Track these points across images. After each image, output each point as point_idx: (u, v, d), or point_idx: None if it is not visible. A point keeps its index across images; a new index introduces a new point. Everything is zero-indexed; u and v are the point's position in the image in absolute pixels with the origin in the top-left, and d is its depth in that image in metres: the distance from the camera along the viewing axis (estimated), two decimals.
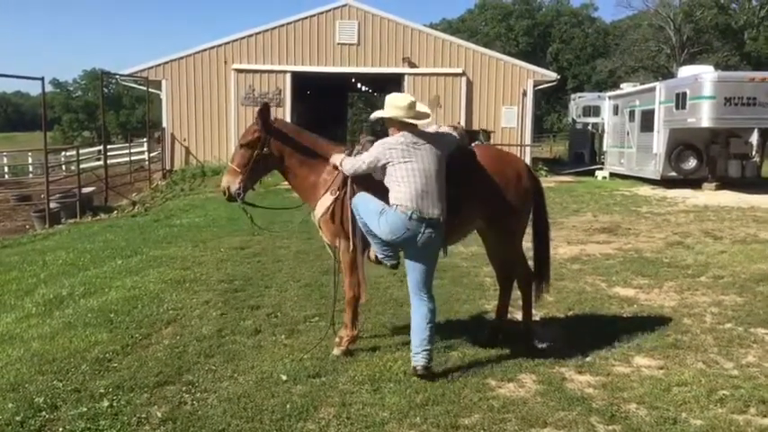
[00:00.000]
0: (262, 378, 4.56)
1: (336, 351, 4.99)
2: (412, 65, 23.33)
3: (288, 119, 21.76)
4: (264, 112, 5.00)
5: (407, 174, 4.54)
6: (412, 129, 4.70)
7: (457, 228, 5.05)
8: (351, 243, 4.89)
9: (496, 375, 4.65)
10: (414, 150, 4.59)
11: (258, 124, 4.96)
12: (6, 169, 30.00)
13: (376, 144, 4.74)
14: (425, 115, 4.80)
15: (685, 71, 20.75)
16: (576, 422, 3.97)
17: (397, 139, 4.65)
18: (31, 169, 29.87)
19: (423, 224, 4.50)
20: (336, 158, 4.92)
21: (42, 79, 15.03)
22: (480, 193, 4.94)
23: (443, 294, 6.82)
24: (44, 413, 4.01)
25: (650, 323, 5.89)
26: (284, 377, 4.55)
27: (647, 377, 4.67)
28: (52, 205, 15.14)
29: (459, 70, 23.48)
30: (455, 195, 4.80)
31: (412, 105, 4.69)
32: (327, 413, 4.06)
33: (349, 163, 4.80)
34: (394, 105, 4.70)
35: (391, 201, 4.56)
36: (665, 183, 19.13)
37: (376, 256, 4.84)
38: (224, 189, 5.09)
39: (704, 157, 19.09)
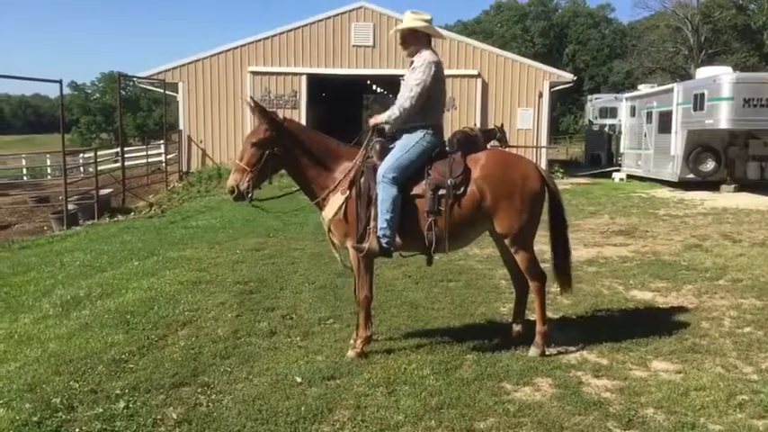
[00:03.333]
0: (277, 380, 4.56)
1: (351, 353, 4.98)
2: None
3: (303, 121, 21.89)
4: (274, 114, 5.05)
5: (438, 96, 5.03)
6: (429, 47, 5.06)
7: (465, 232, 5.02)
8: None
9: (512, 379, 4.62)
10: None
11: (268, 123, 4.94)
12: (25, 171, 30.33)
13: (428, 63, 4.89)
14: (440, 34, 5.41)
15: (703, 72, 20.53)
16: (593, 427, 3.93)
17: (436, 57, 4.98)
18: (49, 171, 30.30)
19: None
20: (377, 119, 5.09)
21: (60, 82, 15.15)
22: (486, 198, 4.89)
23: (458, 297, 6.80)
24: (61, 414, 4.04)
25: (668, 327, 5.82)
26: (299, 379, 4.56)
27: (664, 381, 4.62)
28: (70, 207, 15.26)
29: (475, 72, 23.41)
30: (460, 198, 4.81)
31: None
32: (342, 415, 4.06)
33: (398, 103, 4.94)
34: (420, 18, 5.01)
35: (421, 122, 4.95)
36: (683, 185, 18.93)
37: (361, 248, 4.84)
38: (232, 187, 5.01)
39: (723, 159, 18.87)
